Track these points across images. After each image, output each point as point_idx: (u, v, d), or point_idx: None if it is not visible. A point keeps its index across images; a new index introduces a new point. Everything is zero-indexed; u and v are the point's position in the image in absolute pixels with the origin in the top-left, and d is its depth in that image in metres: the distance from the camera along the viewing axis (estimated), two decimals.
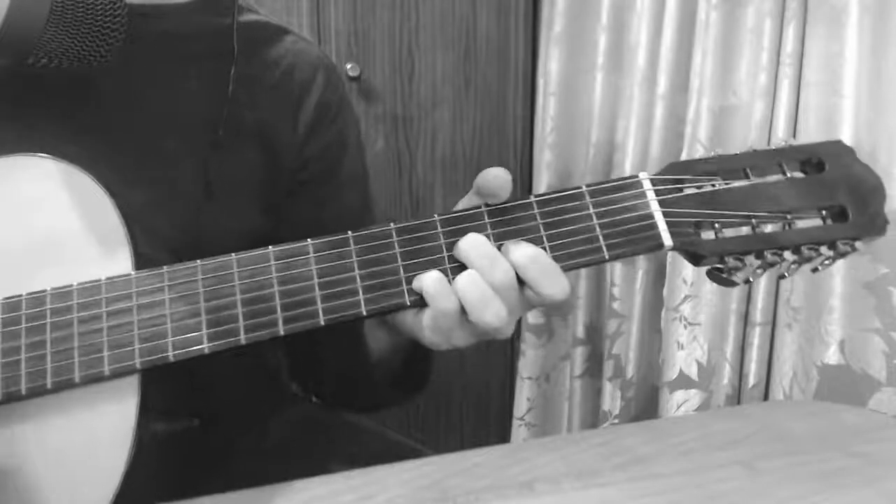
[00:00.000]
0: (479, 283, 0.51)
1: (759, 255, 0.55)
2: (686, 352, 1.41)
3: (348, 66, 1.57)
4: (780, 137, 1.27)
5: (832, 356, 1.21)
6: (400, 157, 1.68)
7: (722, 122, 1.37)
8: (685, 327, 1.41)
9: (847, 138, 1.17)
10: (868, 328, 1.19)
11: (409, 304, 0.53)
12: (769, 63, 1.29)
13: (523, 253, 0.52)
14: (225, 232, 0.67)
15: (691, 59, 1.40)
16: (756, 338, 1.33)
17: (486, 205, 0.54)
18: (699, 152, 1.37)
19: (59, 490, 0.50)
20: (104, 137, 0.63)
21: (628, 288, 1.56)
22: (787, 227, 0.55)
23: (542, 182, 1.69)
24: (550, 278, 0.52)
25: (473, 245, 0.52)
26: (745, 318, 1.37)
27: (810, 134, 1.25)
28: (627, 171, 1.53)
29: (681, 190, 0.55)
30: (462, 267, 0.53)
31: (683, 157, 1.41)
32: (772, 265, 0.55)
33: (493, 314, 0.51)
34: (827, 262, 0.56)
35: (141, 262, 0.53)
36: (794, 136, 1.28)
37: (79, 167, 0.54)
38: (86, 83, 0.62)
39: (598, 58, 1.59)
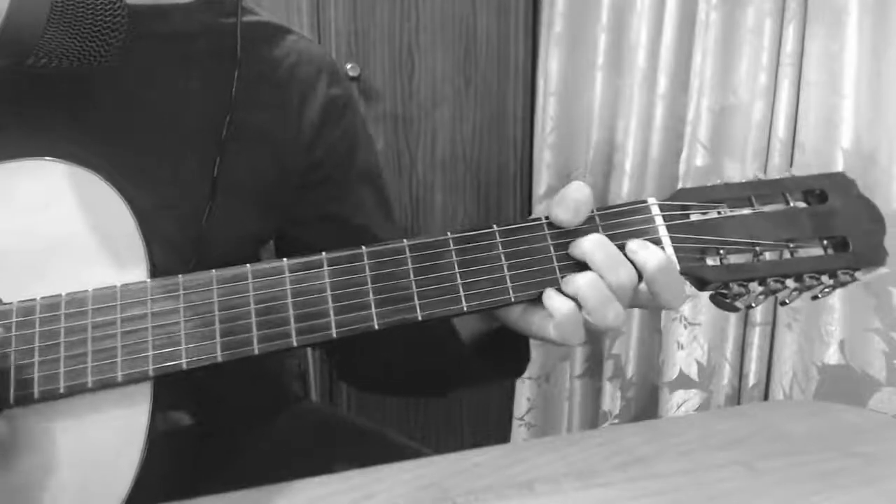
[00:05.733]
0: (599, 286, 0.53)
1: (763, 283, 0.56)
2: (686, 352, 1.41)
3: (348, 66, 1.57)
4: (780, 137, 1.27)
5: (832, 356, 1.21)
6: (400, 157, 1.68)
7: (722, 122, 1.37)
8: (685, 327, 1.41)
9: (847, 138, 1.17)
10: (868, 328, 1.19)
11: (420, 318, 0.53)
12: (769, 63, 1.29)
13: (655, 261, 0.53)
14: (230, 233, 0.67)
15: (691, 59, 1.40)
16: (756, 338, 1.33)
17: (497, 225, 0.55)
18: (699, 152, 1.37)
19: (73, 492, 0.50)
20: (107, 138, 0.63)
21: None
22: (790, 256, 0.56)
23: (542, 182, 1.69)
24: (675, 288, 0.54)
25: (599, 245, 0.53)
26: (745, 318, 1.37)
27: (810, 134, 1.25)
28: (627, 171, 1.53)
29: (687, 216, 0.56)
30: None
31: (683, 157, 1.42)
32: (774, 292, 0.57)
33: (613, 315, 0.53)
34: (827, 290, 0.57)
35: (154, 265, 0.54)
36: (795, 135, 1.28)
37: (92, 170, 0.54)
38: (87, 83, 0.62)
39: (598, 58, 1.59)
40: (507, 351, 0.64)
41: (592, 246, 0.53)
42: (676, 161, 1.45)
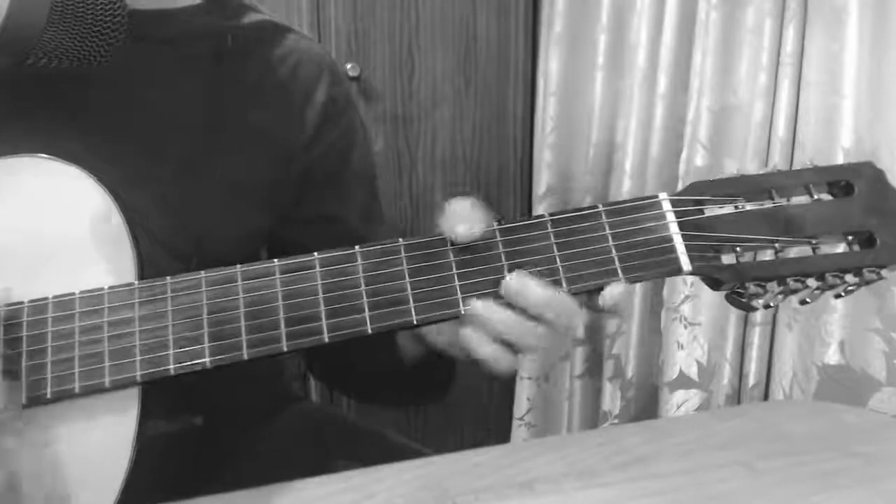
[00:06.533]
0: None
1: (782, 282, 0.53)
2: (686, 352, 1.41)
3: (348, 65, 1.57)
4: (780, 137, 1.27)
5: (832, 356, 1.21)
6: (400, 157, 1.68)
7: (722, 122, 1.37)
8: (685, 327, 1.41)
9: (847, 138, 1.17)
10: (868, 328, 1.19)
11: (415, 322, 0.51)
12: (769, 63, 1.29)
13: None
14: (230, 233, 0.67)
15: (691, 59, 1.40)
16: (756, 338, 1.33)
17: (498, 223, 0.53)
18: (699, 152, 1.37)
19: (64, 497, 0.50)
20: (106, 138, 0.63)
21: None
22: (811, 253, 0.53)
23: (542, 182, 1.69)
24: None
25: (552, 305, 0.51)
26: (745, 318, 1.37)
27: (810, 133, 1.25)
28: (628, 171, 1.53)
29: (702, 211, 0.53)
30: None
31: (683, 157, 1.41)
32: (794, 292, 0.53)
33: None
34: (851, 288, 0.54)
35: (143, 264, 0.53)
36: (795, 135, 1.28)
37: (82, 168, 0.54)
38: (86, 83, 0.62)
39: (598, 58, 1.59)
40: (436, 374, 0.65)
41: (543, 304, 0.51)
42: (676, 161, 1.45)
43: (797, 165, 1.25)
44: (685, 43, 1.43)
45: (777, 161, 1.27)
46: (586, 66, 1.63)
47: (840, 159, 1.18)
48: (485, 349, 0.51)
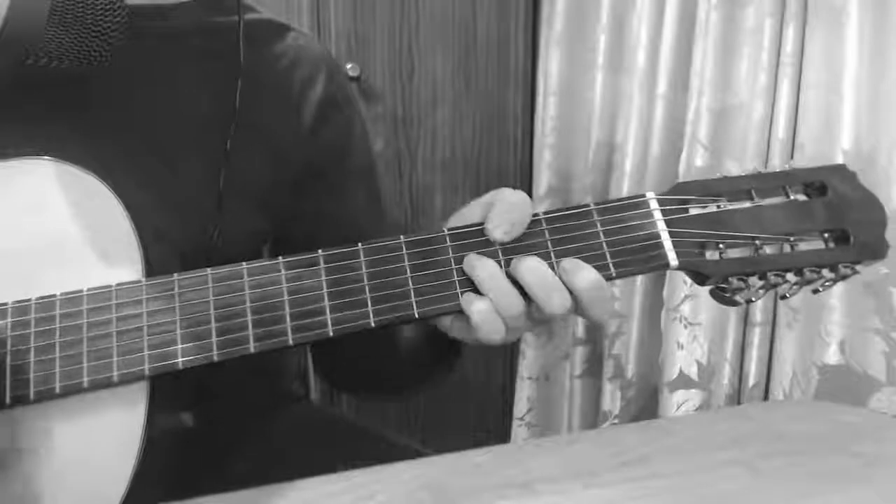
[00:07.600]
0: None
1: (762, 277, 0.56)
2: (686, 352, 1.41)
3: (348, 66, 1.57)
4: (780, 137, 1.27)
5: (832, 356, 1.21)
6: (400, 157, 1.68)
7: (722, 122, 1.37)
8: (685, 327, 1.41)
9: (847, 139, 1.17)
10: (868, 328, 1.19)
11: (416, 316, 0.53)
12: (769, 63, 1.29)
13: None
14: (233, 234, 0.67)
15: (691, 59, 1.40)
16: (756, 338, 1.33)
17: None
18: (699, 152, 1.37)
19: (71, 493, 0.50)
20: (107, 138, 0.63)
21: (628, 288, 1.56)
22: (790, 250, 0.56)
23: (542, 182, 1.69)
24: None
25: (533, 272, 0.53)
26: (745, 318, 1.37)
27: (810, 134, 1.25)
28: (627, 171, 1.53)
29: (687, 210, 0.56)
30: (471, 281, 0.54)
31: (683, 157, 1.42)
32: (774, 286, 0.56)
33: (559, 303, 0.53)
34: (828, 283, 0.57)
35: (150, 264, 0.54)
36: (794, 135, 1.28)
37: (86, 169, 0.54)
38: (87, 83, 0.62)
39: (598, 58, 1.59)
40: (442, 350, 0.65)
41: (526, 272, 0.53)
42: (676, 161, 1.45)
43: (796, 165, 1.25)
44: (685, 43, 1.43)
45: (777, 161, 1.27)
46: (586, 66, 1.64)
47: (840, 159, 1.18)
48: (475, 303, 0.53)
